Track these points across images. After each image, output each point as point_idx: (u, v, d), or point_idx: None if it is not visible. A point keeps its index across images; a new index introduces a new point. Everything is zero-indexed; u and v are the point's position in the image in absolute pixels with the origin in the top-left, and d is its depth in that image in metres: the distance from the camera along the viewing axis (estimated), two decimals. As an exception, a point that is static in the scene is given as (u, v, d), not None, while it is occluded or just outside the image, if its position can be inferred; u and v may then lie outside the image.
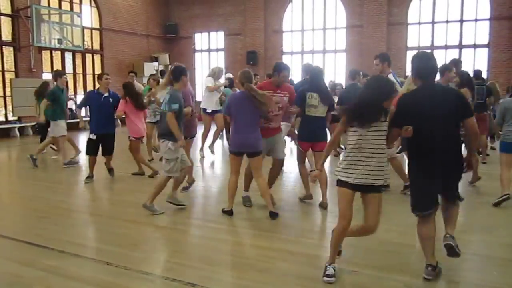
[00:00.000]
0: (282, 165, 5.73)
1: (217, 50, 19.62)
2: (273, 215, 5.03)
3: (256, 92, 4.90)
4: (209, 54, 19.90)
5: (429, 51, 3.87)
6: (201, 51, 20.02)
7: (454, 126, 3.42)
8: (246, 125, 4.98)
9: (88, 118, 8.29)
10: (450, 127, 3.36)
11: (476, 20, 15.20)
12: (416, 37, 16.11)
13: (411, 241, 4.25)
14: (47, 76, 15.26)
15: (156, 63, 18.64)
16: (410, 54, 16.08)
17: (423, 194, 3.42)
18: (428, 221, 3.41)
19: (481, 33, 15.14)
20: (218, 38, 19.53)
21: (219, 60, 19.47)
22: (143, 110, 7.54)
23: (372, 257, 3.94)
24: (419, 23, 16.00)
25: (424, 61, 3.48)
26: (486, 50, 15.09)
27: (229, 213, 5.16)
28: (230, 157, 5.24)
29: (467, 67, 15.16)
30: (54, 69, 15.51)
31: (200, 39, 19.94)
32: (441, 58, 15.61)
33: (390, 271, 3.64)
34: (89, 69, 16.95)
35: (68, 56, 16.21)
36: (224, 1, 18.80)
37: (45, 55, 15.33)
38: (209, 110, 9.08)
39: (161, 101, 5.57)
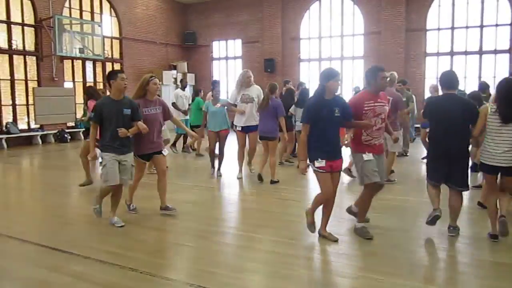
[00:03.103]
0: (378, 190, 4.80)
1: (235, 58, 19.74)
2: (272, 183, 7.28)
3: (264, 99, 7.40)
4: (227, 62, 20.04)
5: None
6: (219, 59, 20.17)
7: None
8: (266, 119, 7.35)
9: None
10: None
11: (496, 25, 14.99)
12: (435, 43, 15.96)
13: (435, 250, 4.21)
14: (68, 85, 15.58)
15: (174, 71, 18.84)
16: (429, 60, 16.00)
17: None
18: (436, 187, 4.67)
19: (502, 38, 14.93)
20: (235, 46, 19.66)
21: (236, 68, 19.60)
22: None
23: (396, 265, 3.91)
24: (438, 29, 15.84)
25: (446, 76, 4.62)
26: (507, 55, 14.87)
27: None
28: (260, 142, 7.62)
29: (488, 72, 15.06)
30: (76, 78, 15.87)
31: (218, 47, 20.10)
32: (461, 64, 15.49)
33: (415, 280, 3.60)
34: (109, 78, 17.20)
35: (89, 65, 16.49)
36: (241, 9, 18.95)
37: (67, 64, 15.62)
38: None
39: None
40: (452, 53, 15.73)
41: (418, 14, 15.82)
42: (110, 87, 5.07)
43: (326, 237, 4.55)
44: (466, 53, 15.51)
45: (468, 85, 14.22)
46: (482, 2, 15.07)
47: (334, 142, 4.41)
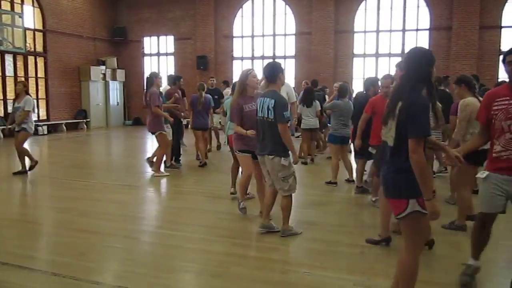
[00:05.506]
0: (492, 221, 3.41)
1: (167, 54, 19.40)
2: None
3: None
4: (159, 58, 19.64)
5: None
6: (150, 55, 19.71)
7: None
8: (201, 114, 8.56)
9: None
10: None
11: (417, 30, 15.97)
12: (362, 45, 16.69)
13: (359, 241, 4.41)
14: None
15: (103, 67, 18.18)
16: (356, 61, 16.69)
17: None
18: None
19: (422, 42, 15.91)
20: (167, 42, 19.31)
21: (168, 65, 19.28)
22: None
23: (322, 258, 4.05)
24: (365, 32, 16.58)
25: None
26: (426, 58, 15.84)
27: None
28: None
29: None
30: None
31: (149, 43, 19.64)
32: (385, 65, 16.32)
33: (339, 271, 3.76)
34: (31, 72, 16.23)
35: (9, 58, 15.42)
36: (174, 6, 18.63)
37: (-17, 57, 14.56)
38: None
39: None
40: (377, 55, 16.53)
41: (346, 16, 16.45)
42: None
43: None
44: (390, 55, 16.37)
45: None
46: (404, 8, 15.98)
47: None
